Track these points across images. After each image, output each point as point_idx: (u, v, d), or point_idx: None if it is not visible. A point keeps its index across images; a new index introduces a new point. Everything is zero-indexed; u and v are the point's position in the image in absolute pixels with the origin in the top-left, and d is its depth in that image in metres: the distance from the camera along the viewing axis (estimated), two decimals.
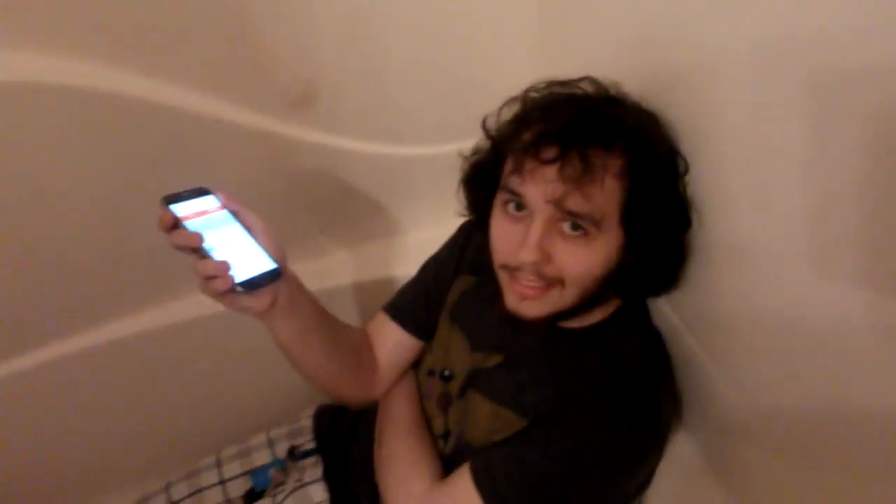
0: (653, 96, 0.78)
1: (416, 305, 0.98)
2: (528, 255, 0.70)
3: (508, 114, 0.80)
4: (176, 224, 0.69)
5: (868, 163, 0.48)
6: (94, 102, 0.95)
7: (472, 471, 0.78)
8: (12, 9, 0.88)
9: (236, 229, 0.73)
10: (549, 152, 0.69)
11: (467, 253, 0.95)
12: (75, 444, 1.22)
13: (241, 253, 0.71)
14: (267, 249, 0.73)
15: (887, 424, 0.51)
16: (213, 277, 0.68)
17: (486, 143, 0.83)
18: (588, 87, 0.78)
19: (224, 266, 0.67)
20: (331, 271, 1.33)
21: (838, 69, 0.50)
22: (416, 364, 1.01)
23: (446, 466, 0.88)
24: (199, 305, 1.18)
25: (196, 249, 0.68)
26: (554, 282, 0.73)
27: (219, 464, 1.06)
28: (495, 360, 0.87)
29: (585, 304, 0.77)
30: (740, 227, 0.67)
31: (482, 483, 0.76)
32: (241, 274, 0.69)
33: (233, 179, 1.13)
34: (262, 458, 1.06)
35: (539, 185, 0.70)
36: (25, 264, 1.04)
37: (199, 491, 1.02)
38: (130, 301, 1.18)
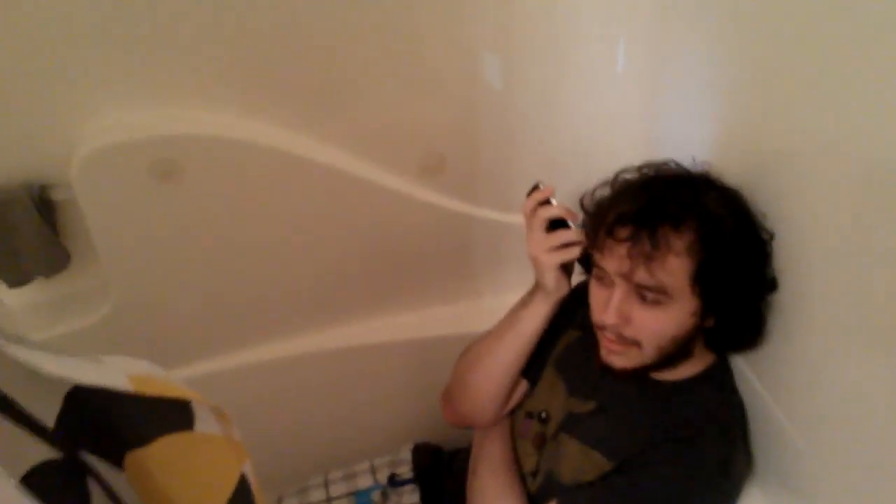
0: (750, 176, 0.86)
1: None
2: (608, 318, 0.82)
3: (604, 191, 0.90)
4: (548, 201, 0.91)
5: None
6: (273, 159, 1.15)
7: None
8: (225, 81, 1.11)
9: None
10: (622, 233, 0.80)
11: (579, 310, 1.04)
12: None
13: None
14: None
15: None
16: (570, 246, 0.89)
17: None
18: (673, 168, 0.88)
19: (584, 238, 0.87)
20: (438, 321, 1.45)
21: None
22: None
23: (533, 503, 0.96)
24: (322, 341, 1.35)
25: (564, 222, 0.90)
26: (632, 343, 0.83)
27: (326, 484, 1.18)
28: (590, 405, 0.95)
29: (670, 358, 0.85)
30: (819, 294, 0.73)
31: None
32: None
33: (364, 232, 1.32)
34: (365, 482, 1.17)
35: (614, 261, 0.81)
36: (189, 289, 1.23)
37: None
38: (260, 332, 1.34)
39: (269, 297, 1.29)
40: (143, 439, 0.48)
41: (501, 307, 1.27)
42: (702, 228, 0.78)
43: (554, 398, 1.00)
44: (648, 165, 0.88)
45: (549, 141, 1.33)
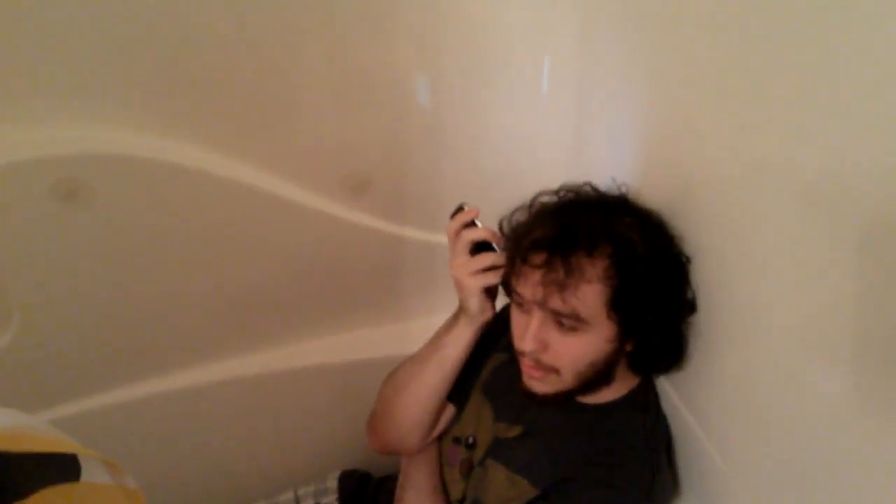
0: (672, 198, 0.87)
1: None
2: (526, 345, 0.81)
3: (522, 215, 0.89)
4: (473, 223, 0.90)
5: (852, 266, 0.55)
6: (189, 178, 1.11)
7: None
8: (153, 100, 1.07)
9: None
10: (536, 259, 0.79)
11: (505, 333, 1.02)
12: None
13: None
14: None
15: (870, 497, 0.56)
16: (493, 269, 0.88)
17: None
18: (591, 192, 0.88)
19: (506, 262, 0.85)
20: (364, 344, 1.42)
21: (822, 190, 0.59)
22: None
23: None
24: (244, 366, 1.30)
25: (488, 245, 0.88)
26: (550, 370, 0.82)
27: None
28: (516, 431, 0.93)
29: (591, 383, 0.84)
30: (738, 315, 0.75)
31: None
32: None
33: (287, 252, 1.28)
34: None
35: (529, 288, 0.80)
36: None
37: None
38: (180, 357, 1.28)
39: (186, 321, 1.24)
40: (19, 494, 0.44)
41: (430, 329, 1.26)
42: (616, 254, 0.77)
43: (481, 423, 0.98)
44: (566, 188, 0.88)
45: (475, 161, 1.33)
